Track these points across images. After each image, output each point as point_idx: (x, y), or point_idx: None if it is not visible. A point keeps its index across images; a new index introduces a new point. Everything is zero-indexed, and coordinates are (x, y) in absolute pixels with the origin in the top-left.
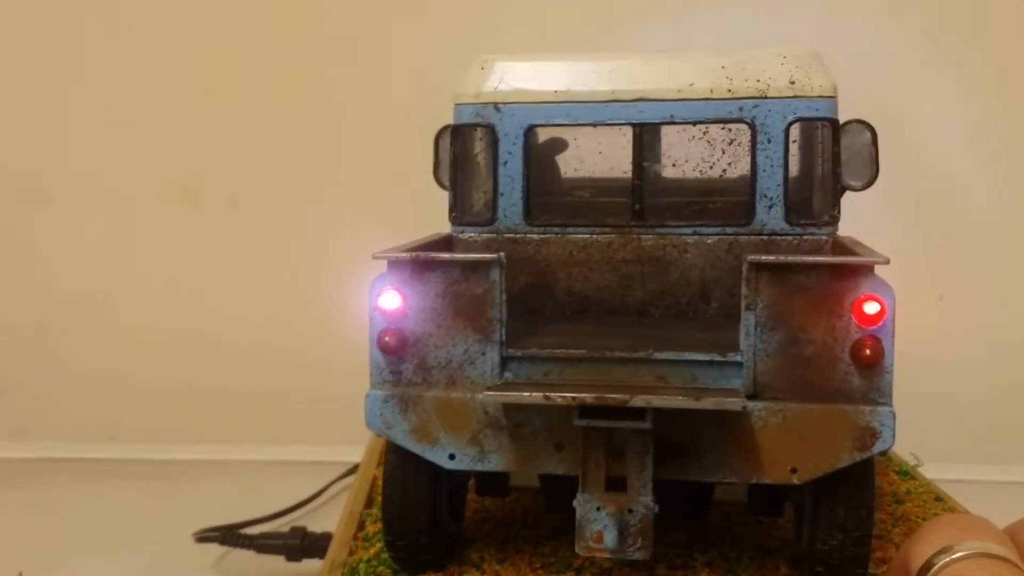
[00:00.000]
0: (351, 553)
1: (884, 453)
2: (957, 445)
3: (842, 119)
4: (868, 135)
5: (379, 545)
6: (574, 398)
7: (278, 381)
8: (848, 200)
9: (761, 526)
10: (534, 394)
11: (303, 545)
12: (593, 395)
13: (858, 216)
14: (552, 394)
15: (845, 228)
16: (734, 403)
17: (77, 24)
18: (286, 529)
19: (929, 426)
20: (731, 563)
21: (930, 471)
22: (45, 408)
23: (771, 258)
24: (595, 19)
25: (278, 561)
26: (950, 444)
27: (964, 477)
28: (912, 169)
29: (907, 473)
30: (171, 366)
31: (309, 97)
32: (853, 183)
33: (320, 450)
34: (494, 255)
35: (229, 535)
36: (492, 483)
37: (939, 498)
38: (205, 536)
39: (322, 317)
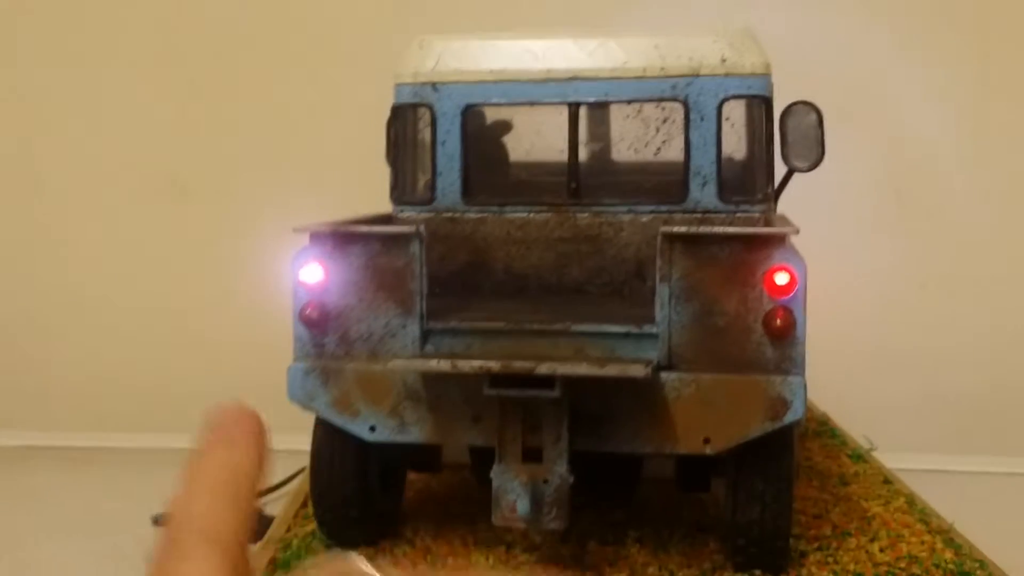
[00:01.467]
0: (288, 530)
1: (799, 423)
2: (932, 435)
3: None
4: (814, 116)
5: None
6: (481, 366)
7: (264, 372)
8: (828, 188)
9: (694, 504)
10: (441, 362)
11: (259, 528)
12: (500, 363)
13: (838, 205)
14: (460, 362)
15: (824, 216)
16: (637, 370)
17: (64, 17)
18: None
19: (909, 415)
20: (663, 539)
21: (901, 461)
22: (30, 397)
23: (683, 229)
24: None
25: None
26: (924, 434)
27: (937, 467)
28: (892, 158)
29: (860, 457)
30: (156, 356)
31: (284, 88)
32: (799, 164)
33: (297, 438)
34: (413, 228)
35: None
36: (421, 458)
37: (887, 480)
38: (164, 519)
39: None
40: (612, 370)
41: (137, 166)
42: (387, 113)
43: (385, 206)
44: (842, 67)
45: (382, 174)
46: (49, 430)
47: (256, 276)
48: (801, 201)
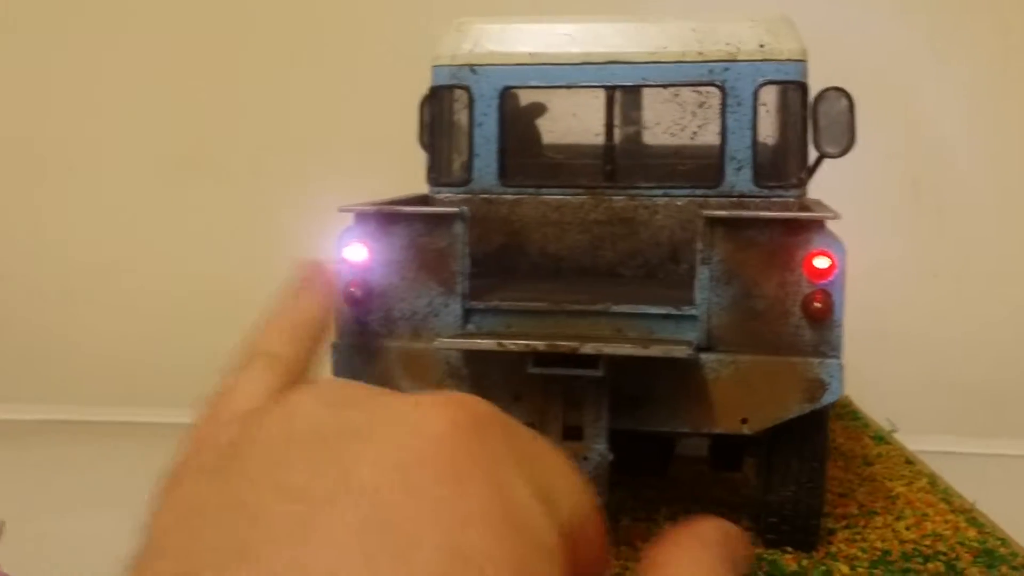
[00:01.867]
0: None
1: (833, 405)
2: (948, 418)
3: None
4: (845, 102)
5: None
6: (527, 345)
7: None
8: (846, 178)
9: (727, 483)
10: (487, 341)
11: None
12: (545, 343)
13: (856, 193)
14: (506, 341)
15: (841, 204)
16: (681, 350)
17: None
18: None
19: (922, 400)
20: (694, 516)
21: (920, 443)
22: (56, 372)
23: (725, 213)
24: None
25: None
26: (941, 417)
27: (954, 449)
28: (911, 147)
29: (882, 438)
30: (176, 332)
31: (303, 66)
32: (830, 150)
33: None
34: (457, 209)
35: None
36: None
37: (909, 461)
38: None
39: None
40: (656, 350)
41: (154, 140)
42: (419, 96)
43: (414, 188)
44: (862, 56)
45: (413, 156)
46: (74, 404)
47: (274, 246)
48: (819, 189)
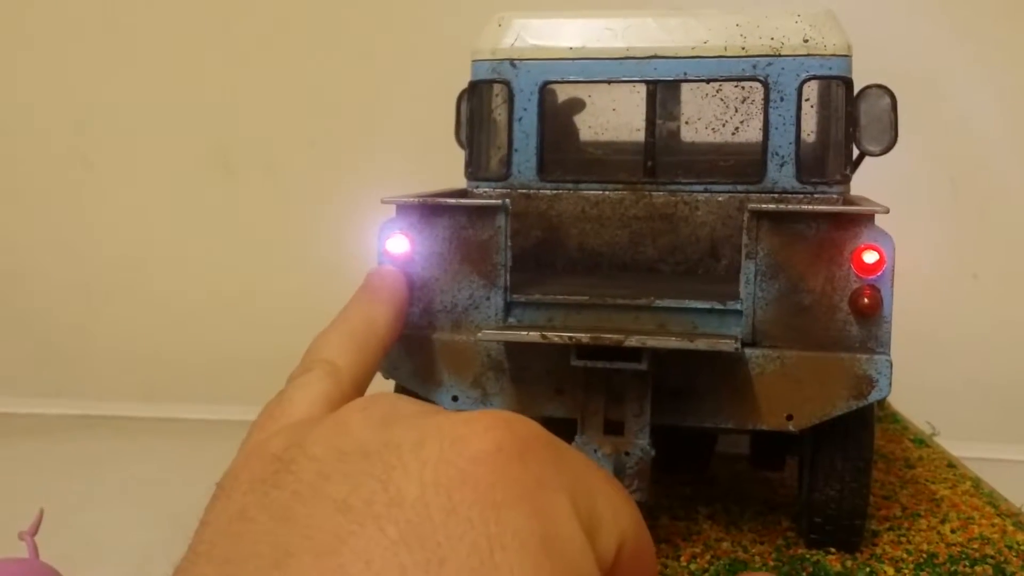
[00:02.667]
0: None
1: (881, 403)
2: (989, 423)
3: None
4: (887, 100)
5: None
6: (571, 337)
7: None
8: (883, 176)
9: (766, 482)
10: (531, 333)
11: None
12: (589, 335)
13: (893, 192)
14: (549, 333)
15: (879, 202)
16: (727, 344)
17: None
18: None
19: (961, 404)
20: (733, 516)
21: (959, 448)
22: (86, 368)
23: (772, 207)
24: None
25: None
26: (982, 422)
27: (995, 456)
28: (948, 146)
29: (922, 441)
30: (207, 329)
31: (340, 61)
32: (872, 148)
33: None
34: (499, 200)
35: None
36: None
37: (951, 464)
38: None
39: (355, 282)
40: (702, 344)
41: (185, 139)
42: (452, 89)
43: (450, 183)
44: (900, 54)
45: (451, 152)
46: (104, 400)
47: (303, 244)
48: (856, 188)
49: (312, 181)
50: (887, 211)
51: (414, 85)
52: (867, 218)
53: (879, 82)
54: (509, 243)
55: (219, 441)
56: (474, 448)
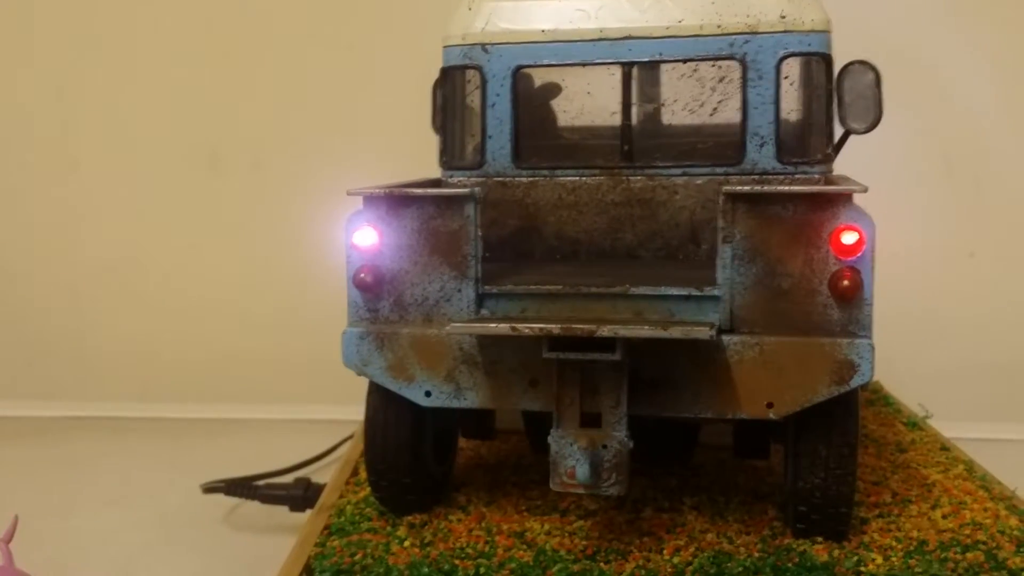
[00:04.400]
0: (341, 496)
1: (864, 387)
2: (985, 404)
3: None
4: (871, 76)
5: (369, 489)
6: (541, 328)
7: (301, 341)
8: (874, 155)
9: (752, 471)
10: (501, 325)
11: (306, 496)
12: (560, 326)
13: (886, 171)
14: (519, 325)
15: (871, 182)
16: (701, 332)
17: None
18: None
19: (957, 384)
20: (719, 507)
21: (954, 430)
22: (74, 369)
23: (747, 188)
24: None
25: (283, 511)
26: (978, 403)
27: (991, 436)
28: (942, 125)
29: (915, 424)
30: (198, 328)
31: (324, 56)
32: (856, 126)
33: (341, 408)
34: (468, 190)
35: (234, 486)
36: (475, 424)
37: (945, 447)
38: (212, 487)
39: (344, 280)
40: (675, 332)
41: (172, 138)
42: (432, 78)
43: (430, 173)
44: (893, 31)
45: (428, 140)
46: (93, 401)
47: (293, 243)
48: (849, 166)
49: (300, 178)
50: (866, 190)
51: (402, 75)
52: (845, 198)
53: (864, 58)
54: (479, 233)
55: (207, 439)
56: None
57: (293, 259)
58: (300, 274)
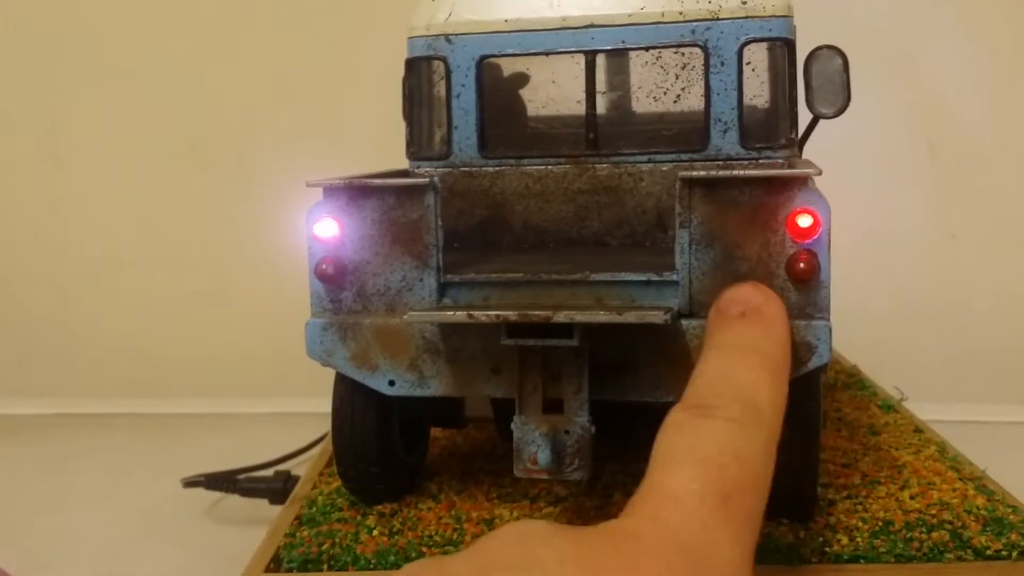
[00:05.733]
0: (314, 487)
1: (823, 369)
2: (964, 386)
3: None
4: (839, 61)
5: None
6: (498, 316)
7: (285, 336)
8: (859, 138)
9: None
10: (458, 313)
11: (285, 488)
12: (517, 313)
13: (869, 155)
14: (476, 312)
15: (854, 166)
16: (656, 316)
17: None
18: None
19: (937, 366)
20: None
21: (930, 412)
22: (59, 367)
23: (703, 174)
24: None
25: (264, 505)
26: (956, 385)
27: (968, 418)
28: (925, 108)
29: (890, 407)
30: (182, 323)
31: (306, 49)
32: (824, 111)
33: (325, 402)
34: (426, 179)
35: (214, 480)
36: (444, 413)
37: (918, 429)
38: (192, 481)
39: None
40: (631, 317)
41: (156, 134)
42: (402, 70)
43: (403, 164)
44: (876, 15)
45: (400, 132)
46: (78, 397)
47: (277, 238)
48: (832, 150)
49: (284, 172)
50: (820, 172)
51: (385, 68)
52: (800, 181)
53: (835, 44)
54: (440, 222)
55: (192, 434)
56: (611, 569)
57: (276, 254)
58: (283, 269)
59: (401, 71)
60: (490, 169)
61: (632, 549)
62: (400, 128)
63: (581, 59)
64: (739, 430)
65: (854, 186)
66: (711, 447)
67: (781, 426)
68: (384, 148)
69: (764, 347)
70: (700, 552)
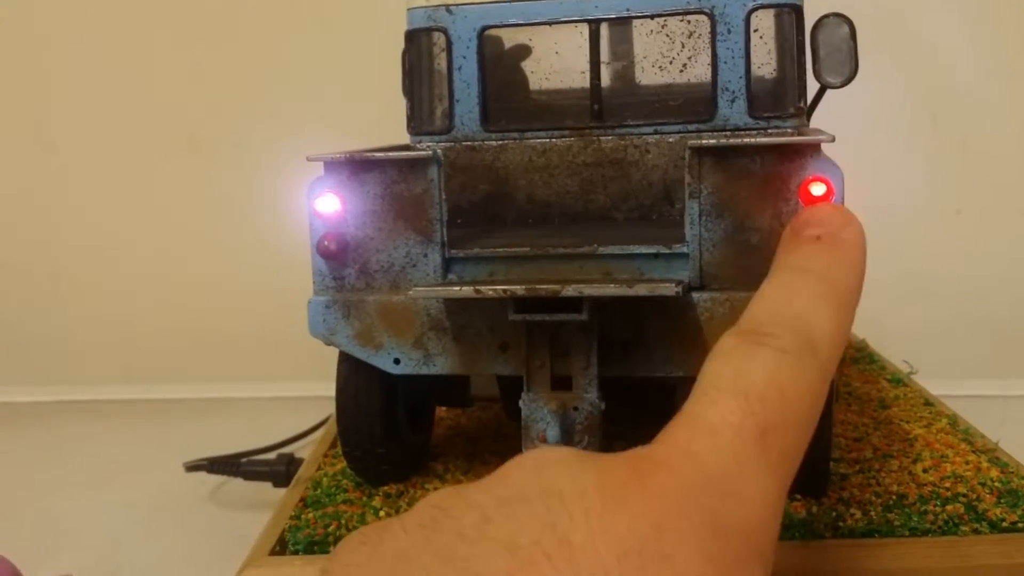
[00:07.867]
0: (318, 469)
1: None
2: (971, 360)
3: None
4: (846, 29)
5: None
6: (505, 290)
7: (284, 319)
8: (862, 111)
9: None
10: (464, 288)
11: (288, 471)
12: (524, 287)
13: (872, 128)
14: (483, 287)
15: (858, 140)
16: (668, 288)
17: None
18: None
19: (944, 341)
20: None
21: (940, 387)
22: (57, 353)
23: (713, 142)
24: None
25: (267, 488)
26: (964, 359)
27: (977, 392)
28: (927, 81)
29: (899, 381)
30: (180, 308)
31: (298, 29)
32: (831, 80)
33: (326, 385)
34: (429, 152)
35: (217, 463)
36: (450, 392)
37: (929, 403)
38: (195, 465)
39: None
40: (641, 289)
41: (151, 118)
42: (400, 46)
43: (404, 140)
44: None
45: (400, 112)
46: (76, 384)
47: (276, 222)
48: (834, 122)
49: (280, 156)
50: (832, 139)
51: (382, 47)
52: (812, 148)
53: (838, 11)
54: (443, 196)
55: (192, 419)
56: (633, 500)
57: (274, 237)
58: (281, 252)
59: (399, 47)
60: (493, 143)
61: (658, 482)
62: (400, 108)
63: (584, 29)
64: (790, 363)
65: (856, 159)
66: (757, 378)
67: (838, 364)
68: (384, 128)
69: (834, 275)
70: (729, 485)
